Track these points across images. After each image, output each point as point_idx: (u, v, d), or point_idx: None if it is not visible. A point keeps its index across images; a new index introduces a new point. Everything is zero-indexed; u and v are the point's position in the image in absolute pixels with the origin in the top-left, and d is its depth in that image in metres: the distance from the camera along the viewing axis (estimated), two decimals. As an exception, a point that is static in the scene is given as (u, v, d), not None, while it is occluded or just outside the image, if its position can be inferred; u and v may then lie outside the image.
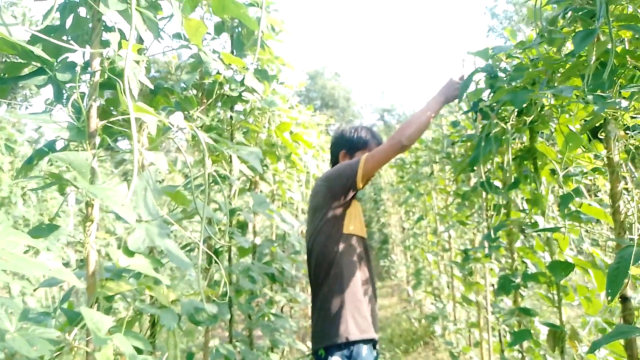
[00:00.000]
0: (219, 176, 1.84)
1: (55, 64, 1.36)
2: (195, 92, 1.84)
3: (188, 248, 1.95)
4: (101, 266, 1.20)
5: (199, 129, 1.82)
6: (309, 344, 4.95)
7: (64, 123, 1.26)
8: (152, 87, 1.24)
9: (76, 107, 1.28)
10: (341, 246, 2.07)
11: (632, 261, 1.15)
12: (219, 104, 1.89)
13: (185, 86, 1.60)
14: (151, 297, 1.46)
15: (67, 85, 1.38)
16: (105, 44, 1.29)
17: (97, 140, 1.27)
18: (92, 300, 1.20)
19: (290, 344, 3.56)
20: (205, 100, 1.89)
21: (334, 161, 2.35)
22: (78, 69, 1.27)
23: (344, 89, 35.04)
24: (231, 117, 2.02)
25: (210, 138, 1.70)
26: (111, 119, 1.26)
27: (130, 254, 1.18)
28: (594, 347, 1.22)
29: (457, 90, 2.11)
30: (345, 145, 2.29)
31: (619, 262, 1.17)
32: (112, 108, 1.52)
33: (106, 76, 1.28)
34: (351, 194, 2.13)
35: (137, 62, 1.39)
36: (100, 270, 1.22)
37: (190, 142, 2.09)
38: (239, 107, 2.19)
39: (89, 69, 1.28)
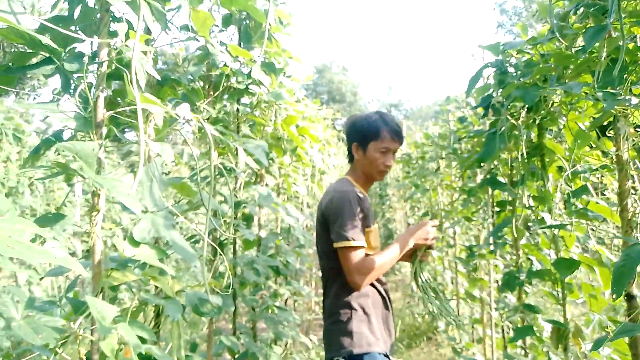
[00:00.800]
0: (224, 169, 1.84)
1: (63, 53, 1.36)
2: (202, 84, 1.84)
3: (193, 240, 1.96)
4: (106, 256, 1.21)
5: (206, 121, 1.82)
6: (313, 337, 4.98)
7: (71, 113, 1.26)
8: (159, 78, 1.24)
9: (83, 98, 1.28)
10: None
11: (638, 259, 1.15)
12: (226, 96, 1.89)
13: (192, 78, 1.60)
14: (156, 287, 1.46)
15: (75, 76, 1.38)
16: (113, 34, 1.29)
17: (104, 130, 1.28)
18: (97, 290, 1.20)
19: (294, 337, 3.57)
20: (212, 93, 1.88)
21: (350, 155, 2.15)
22: (86, 59, 1.26)
23: (351, 83, 34.97)
24: (237, 109, 2.01)
25: (216, 130, 1.70)
26: (118, 110, 1.26)
27: (136, 244, 1.19)
28: (598, 344, 1.21)
29: (426, 238, 2.06)
30: (356, 137, 2.09)
31: (625, 260, 1.17)
32: (119, 99, 1.52)
33: (114, 67, 1.28)
34: None
35: (145, 53, 1.39)
36: (105, 260, 1.22)
37: (197, 134, 2.09)
38: (245, 100, 2.19)
39: (97, 59, 1.28)
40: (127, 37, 1.20)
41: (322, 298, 6.64)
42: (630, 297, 1.47)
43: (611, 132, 1.55)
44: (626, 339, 1.52)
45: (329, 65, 35.26)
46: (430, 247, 2.12)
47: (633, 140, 1.49)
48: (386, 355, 1.96)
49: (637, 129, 1.52)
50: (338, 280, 1.95)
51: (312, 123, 3.32)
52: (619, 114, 1.47)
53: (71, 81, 1.38)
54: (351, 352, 1.87)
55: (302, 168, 3.40)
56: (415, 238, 2.02)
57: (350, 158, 2.14)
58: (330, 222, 1.93)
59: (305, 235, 3.62)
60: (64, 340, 1.12)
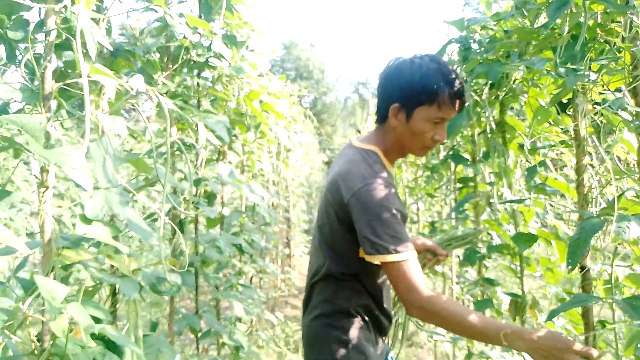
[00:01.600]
0: (184, 145, 1.79)
1: (7, 22, 1.28)
2: (158, 56, 1.77)
3: (153, 218, 1.91)
4: (57, 234, 1.16)
5: (164, 95, 1.76)
6: (278, 314, 5.00)
7: (17, 85, 1.20)
8: (111, 48, 1.18)
9: (30, 68, 1.21)
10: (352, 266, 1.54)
11: (592, 232, 1.17)
12: (185, 70, 1.83)
13: (147, 50, 1.53)
14: (112, 266, 1.42)
15: (21, 46, 1.31)
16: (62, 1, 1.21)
17: (53, 104, 1.21)
18: (48, 269, 1.15)
19: (259, 315, 3.58)
20: (170, 66, 1.82)
21: (381, 115, 1.53)
22: (31, 27, 1.19)
23: (318, 60, 34.70)
24: (198, 84, 1.96)
25: (175, 105, 1.65)
26: (68, 81, 1.20)
27: (88, 221, 1.14)
28: (552, 314, 1.24)
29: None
30: (399, 96, 1.45)
31: (580, 233, 1.19)
32: (70, 71, 1.45)
33: (64, 37, 1.22)
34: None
35: (97, 23, 1.33)
36: (57, 238, 1.17)
37: (157, 109, 2.02)
38: (207, 74, 2.12)
39: (44, 27, 1.21)
40: (73, 2, 1.13)
41: (287, 276, 6.59)
42: (584, 269, 1.51)
43: (570, 111, 1.57)
44: (579, 309, 1.56)
45: (296, 42, 34.86)
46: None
47: (591, 116, 1.52)
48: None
49: (595, 106, 1.54)
50: (343, 281, 1.55)
51: (278, 99, 3.27)
52: (579, 91, 1.49)
53: (17, 51, 1.31)
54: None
55: (267, 145, 3.36)
56: (538, 353, 1.24)
57: (381, 119, 1.54)
58: (358, 224, 1.42)
59: (271, 213, 3.60)
60: (11, 322, 1.07)
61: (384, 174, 1.46)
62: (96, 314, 1.16)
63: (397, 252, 1.37)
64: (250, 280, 4.01)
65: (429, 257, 1.76)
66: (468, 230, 2.16)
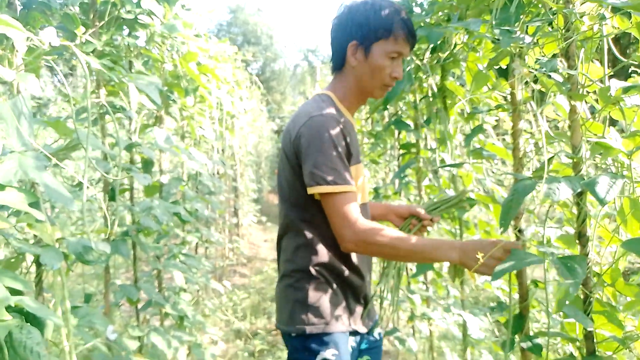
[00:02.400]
0: (113, 108, 1.69)
1: None
2: (84, 12, 1.65)
3: (81, 187, 1.81)
4: (-32, 202, 1.07)
5: (90, 54, 1.65)
6: (226, 282, 4.96)
7: None
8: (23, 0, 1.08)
9: None
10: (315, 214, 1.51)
11: (524, 193, 1.19)
12: (113, 27, 1.72)
13: (65, 3, 1.42)
14: (35, 236, 1.34)
15: None
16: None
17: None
18: (-41, 240, 1.07)
19: (205, 284, 3.53)
20: (97, 23, 1.70)
21: (338, 59, 1.55)
22: None
23: (266, 25, 33.95)
24: (128, 43, 1.84)
25: (102, 65, 1.55)
26: (-27, 35, 1.09)
27: (1, 187, 1.06)
28: (497, 275, 1.20)
29: (481, 263, 1.27)
30: (356, 32, 1.48)
31: (513, 194, 1.21)
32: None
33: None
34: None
35: (6, -30, 1.21)
36: (-32, 207, 1.08)
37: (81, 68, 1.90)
38: (140, 34, 2.01)
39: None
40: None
41: (235, 245, 6.55)
42: (519, 231, 1.55)
43: (508, 73, 1.58)
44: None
45: (243, 6, 33.91)
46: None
47: (527, 80, 1.53)
48: (355, 333, 1.57)
49: (531, 70, 1.56)
50: (300, 234, 1.51)
51: (219, 63, 3.16)
52: (515, 54, 1.50)
53: None
54: (304, 332, 1.46)
55: (208, 111, 3.25)
56: (462, 251, 1.35)
57: (338, 65, 1.56)
58: (302, 159, 1.44)
59: (215, 181, 3.52)
60: None
61: (332, 111, 1.47)
62: (15, 286, 1.09)
63: (335, 183, 1.39)
64: (196, 250, 3.94)
65: (414, 222, 1.71)
66: (453, 193, 2.15)
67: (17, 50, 1.24)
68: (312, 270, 1.49)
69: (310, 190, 1.42)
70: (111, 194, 1.66)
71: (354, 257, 1.55)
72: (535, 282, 1.56)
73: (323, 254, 1.51)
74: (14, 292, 1.07)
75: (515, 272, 1.60)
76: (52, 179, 1.07)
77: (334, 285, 1.52)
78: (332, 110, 1.47)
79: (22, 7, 1.28)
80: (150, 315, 2.79)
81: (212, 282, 3.58)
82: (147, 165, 2.11)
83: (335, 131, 1.43)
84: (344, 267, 1.53)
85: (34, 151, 1.10)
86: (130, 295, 1.85)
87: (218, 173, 4.86)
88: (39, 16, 1.34)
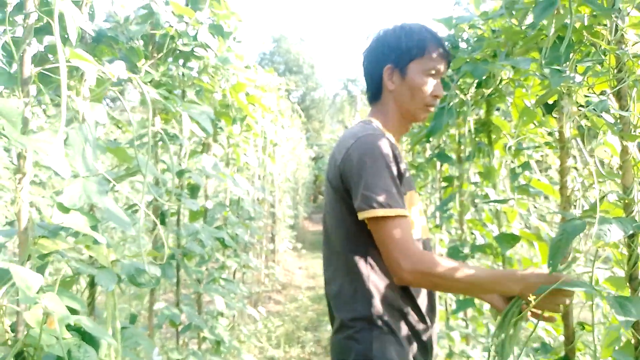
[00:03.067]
0: (167, 135, 1.77)
1: (-15, 2, 1.25)
2: (142, 43, 1.74)
3: (135, 209, 1.89)
4: (34, 223, 1.13)
5: (148, 84, 1.74)
6: (261, 308, 4.98)
7: (-5, 68, 1.17)
8: (93, 34, 1.15)
9: (8, 52, 1.18)
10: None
11: (574, 234, 1.17)
12: (170, 59, 1.81)
13: (131, 37, 1.51)
14: (91, 257, 1.40)
15: None
16: (42, -18, 1.19)
17: (32, 88, 1.19)
18: (24, 258, 1.13)
19: (241, 309, 3.56)
20: (155, 55, 1.79)
21: (374, 87, 1.51)
22: (9, 8, 1.16)
23: (308, 54, 34.61)
24: (183, 74, 1.93)
25: (159, 94, 1.63)
26: (47, 66, 1.17)
27: (66, 210, 1.12)
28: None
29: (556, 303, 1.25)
30: (389, 56, 1.45)
31: (562, 234, 1.19)
32: (51, 56, 1.42)
33: (45, 20, 1.19)
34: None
35: (79, 7, 1.30)
36: (33, 227, 1.15)
37: (141, 98, 1.99)
38: (193, 64, 2.10)
39: (23, 10, 1.18)
40: (54, -16, 1.10)
41: (271, 271, 6.58)
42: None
43: (556, 114, 1.58)
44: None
45: (286, 36, 34.71)
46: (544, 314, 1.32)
47: (576, 119, 1.52)
48: None
49: (580, 108, 1.55)
50: (356, 275, 1.35)
51: (265, 92, 3.24)
52: (564, 92, 1.49)
53: (-5, 34, 1.28)
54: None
55: (253, 139, 3.33)
56: (529, 288, 1.23)
57: (375, 93, 1.52)
58: (351, 183, 1.33)
59: (256, 207, 3.58)
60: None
61: (379, 132, 1.39)
62: (72, 305, 1.13)
63: (388, 206, 1.26)
64: (234, 275, 3.99)
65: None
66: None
67: (85, 80, 1.32)
68: (375, 317, 1.32)
69: (362, 215, 1.29)
70: (161, 218, 1.73)
71: (419, 299, 1.40)
72: (582, 324, 1.52)
73: (385, 297, 1.34)
74: (72, 311, 1.12)
75: (561, 313, 1.56)
76: (113, 203, 1.12)
77: (400, 335, 1.34)
78: (379, 132, 1.40)
79: (92, 40, 1.38)
80: (188, 338, 2.83)
81: (248, 308, 3.61)
82: (194, 190, 2.18)
83: (387, 150, 1.33)
84: (408, 310, 1.38)
85: (96, 176, 1.16)
86: (173, 318, 1.89)
87: (258, 199, 4.93)
88: (106, 49, 1.43)
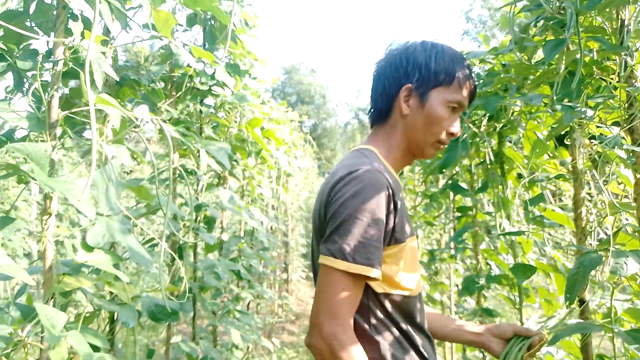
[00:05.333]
0: (185, 171, 1.81)
1: (16, 51, 1.31)
2: (164, 84, 1.80)
3: (152, 244, 1.92)
4: (58, 261, 1.16)
5: (167, 122, 1.79)
6: (275, 340, 4.94)
7: (24, 112, 1.22)
8: (117, 79, 1.20)
9: (37, 97, 1.23)
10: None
11: (590, 267, 1.18)
12: (189, 97, 1.86)
13: (152, 79, 1.56)
14: (111, 292, 1.42)
15: (29, 74, 1.34)
16: (70, 32, 1.24)
17: (59, 131, 1.23)
18: (48, 296, 1.16)
19: (256, 341, 3.54)
20: (174, 93, 1.85)
21: (383, 106, 1.27)
22: (40, 57, 1.22)
23: (320, 85, 35.05)
24: (200, 111, 1.98)
25: (177, 132, 1.67)
26: (74, 110, 1.22)
27: (90, 249, 1.15)
28: (555, 339, 1.20)
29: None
30: (413, 74, 1.23)
31: (579, 267, 1.20)
32: (75, 99, 1.47)
33: (70, 66, 1.24)
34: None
35: (104, 53, 1.35)
36: (57, 265, 1.18)
37: (159, 135, 2.05)
38: (209, 100, 2.15)
39: (52, 57, 1.23)
40: (83, 36, 1.16)
41: (284, 301, 6.53)
42: (582, 302, 1.51)
43: (568, 141, 1.59)
44: (579, 343, 1.56)
45: (298, 67, 35.25)
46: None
47: (588, 150, 1.54)
48: None
49: (592, 140, 1.56)
50: (366, 344, 1.11)
51: (278, 125, 3.30)
52: (575, 125, 1.51)
53: (25, 79, 1.34)
54: None
55: (267, 170, 3.37)
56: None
57: (381, 113, 1.29)
58: (329, 222, 1.12)
59: (270, 238, 3.59)
60: (11, 349, 1.07)
61: (377, 165, 1.16)
62: (95, 342, 1.16)
63: (353, 260, 1.05)
64: (248, 306, 3.98)
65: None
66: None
67: (108, 122, 1.37)
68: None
69: (321, 259, 1.09)
70: (179, 252, 1.75)
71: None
72: (601, 357, 1.50)
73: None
74: (94, 348, 1.14)
75: (580, 345, 1.55)
76: (135, 241, 1.15)
77: None
78: (377, 164, 1.16)
79: (116, 83, 1.43)
80: (204, 372, 2.83)
81: (263, 340, 3.59)
82: (210, 223, 2.21)
83: (381, 194, 1.10)
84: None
85: (119, 215, 1.19)
86: (191, 352, 1.89)
87: (271, 229, 4.95)
88: (128, 90, 1.48)
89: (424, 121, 1.23)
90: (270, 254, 4.46)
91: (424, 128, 1.24)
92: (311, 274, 9.76)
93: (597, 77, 1.41)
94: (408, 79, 1.24)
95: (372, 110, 1.33)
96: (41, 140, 1.19)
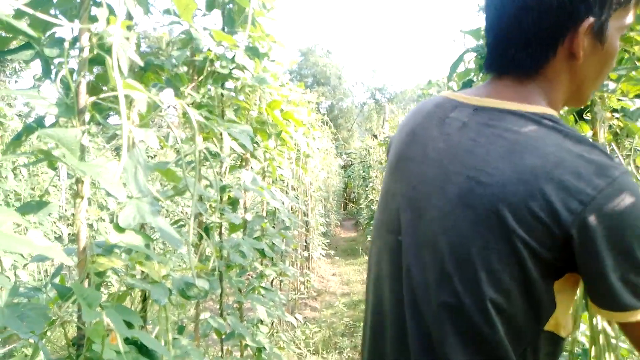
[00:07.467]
0: (209, 153, 1.85)
1: (43, 39, 1.35)
2: (185, 69, 1.83)
3: (179, 224, 1.97)
4: (92, 242, 1.21)
5: (190, 106, 1.82)
6: (298, 315, 5.04)
7: (53, 99, 1.26)
8: (141, 64, 1.23)
9: (65, 83, 1.27)
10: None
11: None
12: (210, 81, 1.89)
13: (175, 63, 1.59)
14: (142, 272, 1.48)
15: (56, 61, 1.37)
16: (94, 19, 1.27)
17: (87, 116, 1.27)
18: (83, 276, 1.21)
19: (280, 317, 3.63)
20: (196, 78, 1.87)
21: (537, 53, 0.87)
22: (66, 44, 1.25)
23: (335, 66, 34.84)
24: (222, 94, 2.01)
25: (200, 115, 1.71)
26: (101, 96, 1.26)
27: (121, 230, 1.20)
28: None
29: None
30: (595, 2, 0.82)
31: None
32: (101, 84, 1.51)
33: (95, 52, 1.28)
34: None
35: (127, 39, 1.38)
36: (91, 246, 1.23)
37: (182, 119, 2.08)
38: (230, 84, 2.18)
39: (78, 44, 1.27)
40: (108, 22, 1.19)
41: (306, 278, 6.64)
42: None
43: (588, 115, 1.58)
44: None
45: (313, 49, 35.03)
46: None
47: (609, 124, 1.53)
48: None
49: (613, 113, 1.55)
50: None
51: (297, 107, 3.32)
52: (597, 98, 1.50)
53: (52, 66, 1.37)
54: None
55: (287, 152, 3.40)
56: None
57: (535, 60, 0.88)
58: (594, 254, 0.76)
59: (291, 217, 3.64)
60: (49, 327, 1.13)
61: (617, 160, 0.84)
62: (129, 319, 1.21)
63: None
64: (271, 283, 4.06)
65: None
66: None
67: (134, 107, 1.40)
68: None
69: (626, 317, 0.77)
70: (205, 232, 1.80)
71: None
72: None
73: None
74: (129, 325, 1.19)
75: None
76: (165, 222, 1.19)
77: None
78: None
79: (140, 69, 1.46)
80: (231, 346, 2.91)
81: (287, 315, 3.67)
82: (234, 204, 2.25)
83: None
84: None
85: (148, 197, 1.24)
86: (220, 328, 1.96)
87: (292, 209, 5.00)
88: (152, 75, 1.52)
89: (601, 65, 0.90)
90: (291, 232, 4.52)
91: (599, 73, 0.91)
92: (331, 252, 9.81)
93: (620, 48, 1.39)
94: (588, 11, 0.83)
95: (506, 55, 0.91)
96: (70, 126, 1.23)
